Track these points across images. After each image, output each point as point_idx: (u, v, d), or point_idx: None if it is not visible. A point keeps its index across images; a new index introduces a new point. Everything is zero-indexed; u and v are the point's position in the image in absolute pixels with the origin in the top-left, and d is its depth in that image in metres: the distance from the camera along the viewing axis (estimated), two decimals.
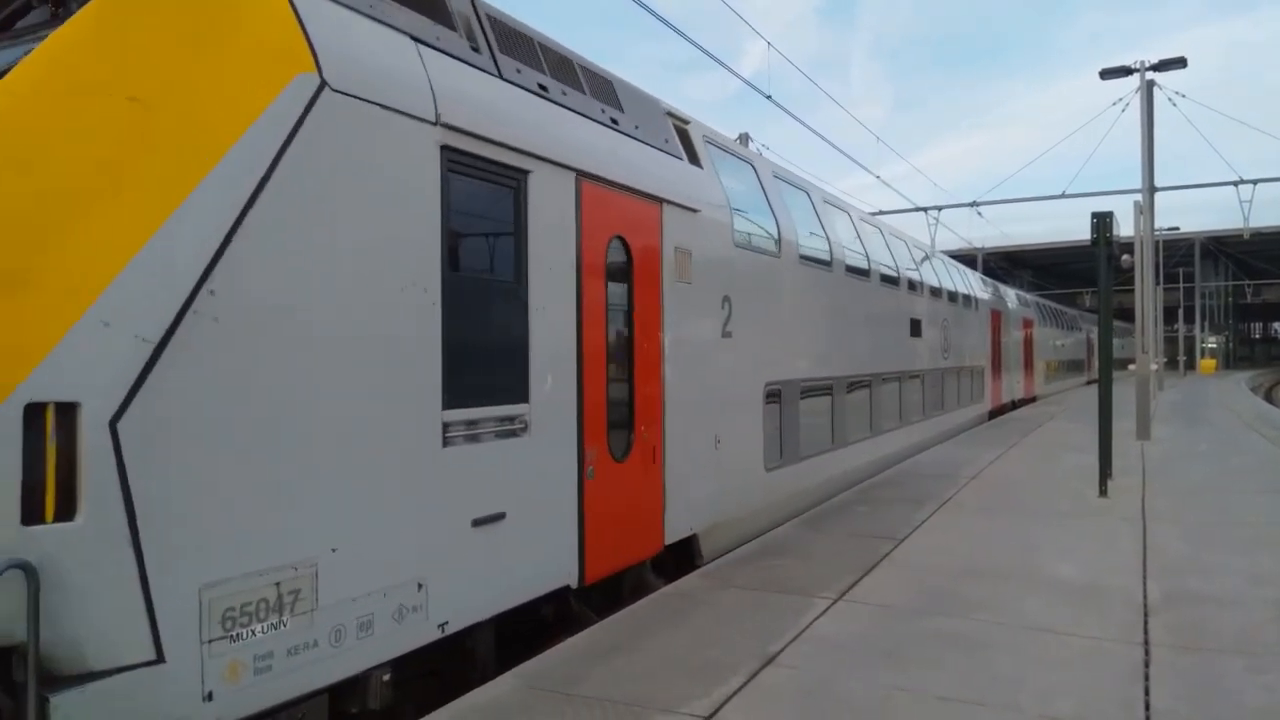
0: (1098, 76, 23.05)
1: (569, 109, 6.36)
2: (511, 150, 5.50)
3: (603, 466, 6.43)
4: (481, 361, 5.32)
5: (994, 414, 23.51)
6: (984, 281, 25.12)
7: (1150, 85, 22.23)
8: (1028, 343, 29.51)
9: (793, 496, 10.06)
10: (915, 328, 15.77)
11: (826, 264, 11.45)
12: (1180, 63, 22.44)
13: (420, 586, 4.75)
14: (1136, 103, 22.40)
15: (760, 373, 9.21)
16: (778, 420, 9.65)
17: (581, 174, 6.22)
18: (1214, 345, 73.15)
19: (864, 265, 13.06)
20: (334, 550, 4.25)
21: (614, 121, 6.98)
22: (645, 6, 10.79)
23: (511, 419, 5.50)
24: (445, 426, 4.95)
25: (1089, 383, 44.78)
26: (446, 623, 4.93)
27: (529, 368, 5.67)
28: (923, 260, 17.45)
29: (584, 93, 6.72)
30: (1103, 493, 10.80)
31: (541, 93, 6.07)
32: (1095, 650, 5.41)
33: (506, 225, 5.60)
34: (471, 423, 5.17)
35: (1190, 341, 66.83)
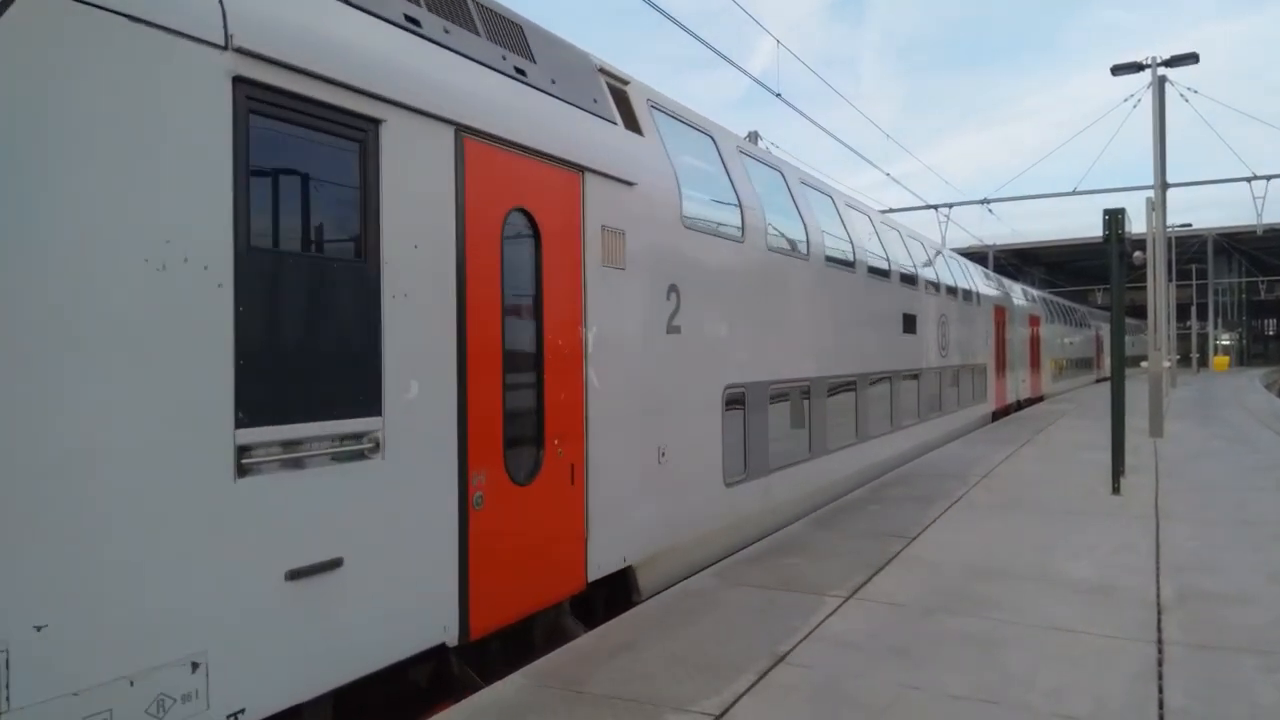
0: (1109, 72, 22.94)
1: (453, 50, 5.21)
2: (354, 92, 4.34)
3: (497, 492, 5.25)
4: (302, 364, 4.11)
5: (998, 415, 22.62)
6: (987, 276, 24.10)
7: (1162, 81, 22.10)
8: (1034, 340, 28.46)
9: (763, 513, 9.00)
10: (909, 324, 14.59)
11: (803, 253, 10.27)
12: (1192, 58, 22.32)
13: (196, 666, 3.60)
14: (1148, 99, 22.28)
15: (719, 374, 8.09)
16: (741, 428, 8.50)
17: (466, 130, 5.07)
18: (1227, 342, 72.68)
19: (849, 256, 11.86)
20: (40, 628, 3.10)
21: (520, 72, 5.82)
22: (654, 5, 10.79)
23: (356, 437, 4.32)
24: (241, 451, 3.77)
25: (1098, 381, 43.90)
26: (241, 711, 3.79)
27: (382, 371, 4.48)
28: (918, 252, 16.29)
29: (477, 34, 5.56)
30: (1116, 490, 10.74)
31: (410, 26, 4.92)
32: (1108, 649, 5.37)
33: (347, 189, 4.41)
34: (288, 444, 3.99)
35: (1203, 338, 66.41)
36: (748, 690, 4.80)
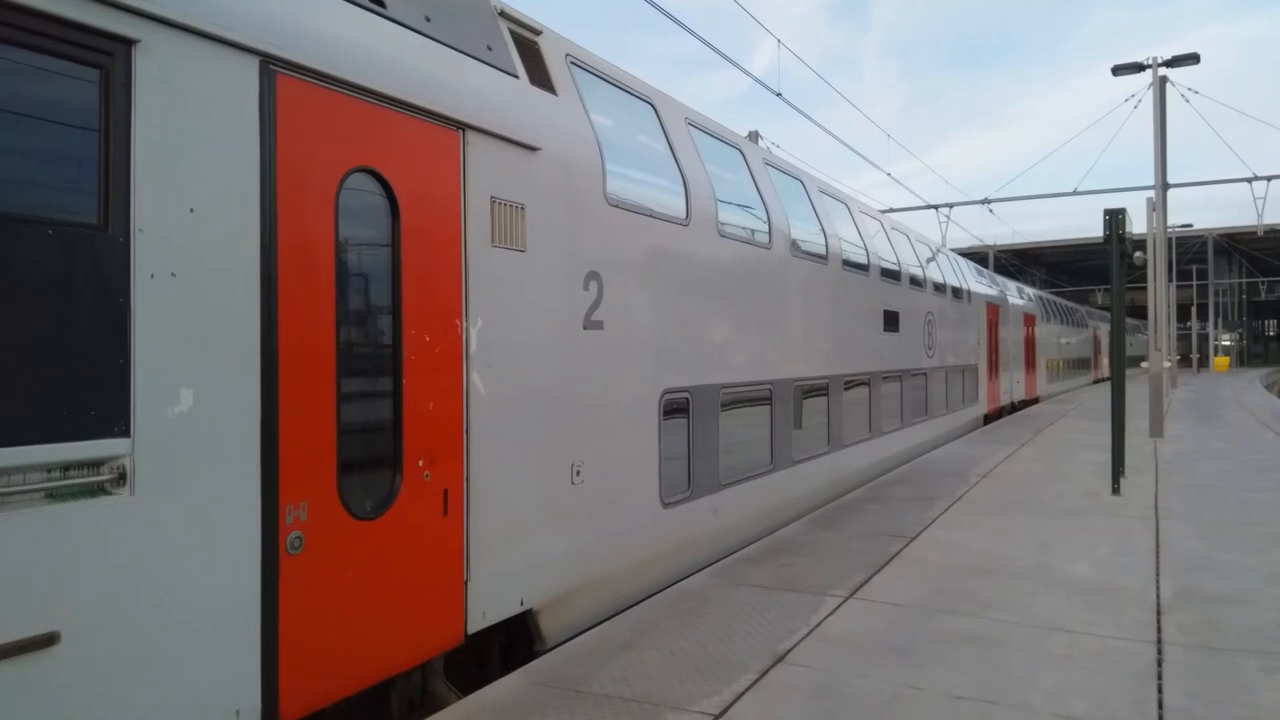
0: (1110, 73, 22.94)
1: None
2: (91, 1, 3.25)
3: (327, 530, 4.11)
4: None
5: (990, 418, 21.69)
6: (979, 272, 22.92)
7: (1163, 81, 22.10)
8: (1029, 340, 27.53)
9: (712, 535, 7.92)
10: (891, 322, 13.52)
11: (764, 241, 9.16)
12: (1193, 59, 22.32)
13: None
14: (1149, 99, 22.28)
15: (655, 377, 7.01)
16: (685, 439, 7.47)
17: (278, 63, 3.95)
18: (1227, 343, 72.67)
19: (821, 246, 10.79)
20: None
21: (378, 3, 4.72)
22: (655, 5, 10.79)
23: (87, 466, 3.24)
24: None
25: (1096, 382, 43.32)
26: None
27: (131, 375, 3.35)
28: (902, 245, 15.16)
29: None
30: (1116, 491, 10.75)
31: None
32: (1108, 649, 5.38)
33: (80, 132, 3.32)
34: None
35: (1203, 339, 66.42)
36: (748, 690, 4.80)
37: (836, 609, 6.24)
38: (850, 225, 12.40)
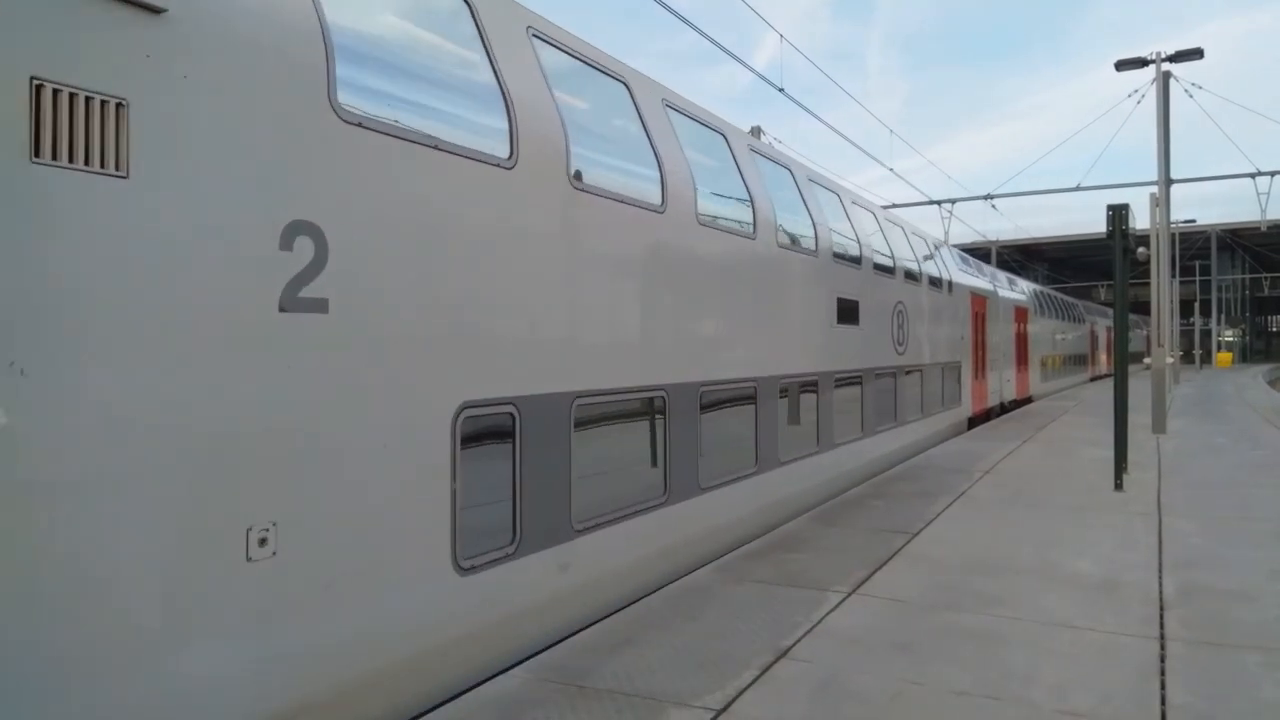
0: (1114, 68, 22.88)
1: None
2: None
3: None
4: None
5: (976, 420, 19.92)
6: (963, 260, 20.87)
7: (1166, 77, 22.04)
8: (1021, 335, 25.64)
9: (556, 600, 5.85)
10: (848, 313, 11.48)
11: (654, 203, 6.99)
12: (1197, 54, 22.25)
13: None
14: (1152, 94, 22.22)
15: (443, 383, 4.92)
16: (512, 470, 5.50)
17: None
18: (1230, 338, 72.58)
19: (745, 217, 8.72)
20: None
21: None
22: (661, 1, 10.76)
23: None
24: None
25: (1093, 379, 41.92)
26: None
27: None
28: (866, 224, 13.07)
29: None
30: (1118, 487, 10.74)
31: None
32: (1111, 645, 5.37)
33: None
34: None
35: (1206, 334, 66.33)
36: (750, 685, 4.80)
37: (839, 605, 6.23)
38: (796, 196, 10.38)
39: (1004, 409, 23.11)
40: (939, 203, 39.56)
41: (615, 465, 6.77)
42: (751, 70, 16.72)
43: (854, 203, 12.91)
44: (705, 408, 7.82)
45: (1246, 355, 77.59)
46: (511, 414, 5.42)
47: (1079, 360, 39.47)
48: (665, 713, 4.46)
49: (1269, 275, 70.36)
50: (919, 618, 5.93)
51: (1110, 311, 44.67)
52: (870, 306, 12.42)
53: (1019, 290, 26.85)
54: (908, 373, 14.37)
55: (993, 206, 39.04)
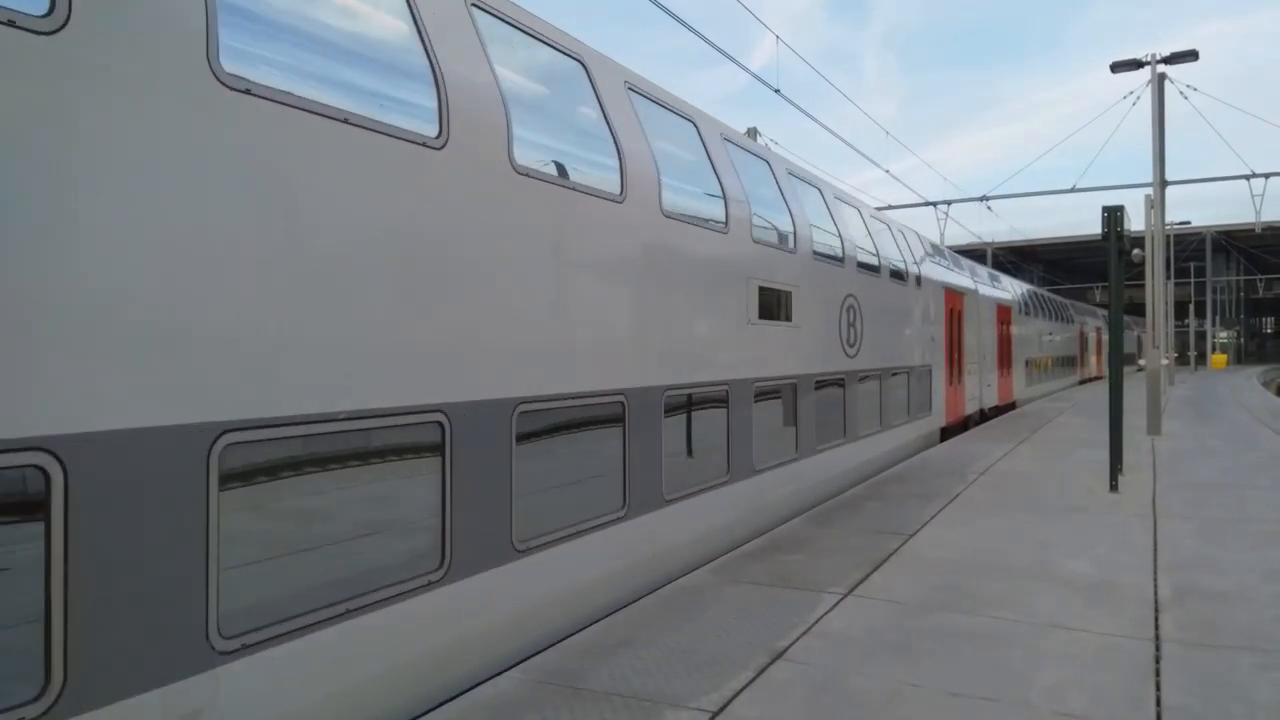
0: (1109, 69, 22.93)
1: None
2: None
3: None
4: None
5: (950, 431, 17.62)
6: (937, 251, 18.51)
7: (1161, 78, 22.09)
8: (1004, 336, 23.61)
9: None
10: (776, 308, 9.36)
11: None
12: (1191, 55, 22.30)
13: None
14: (1148, 96, 22.27)
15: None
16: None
17: None
18: (1225, 340, 72.77)
19: (612, 175, 6.65)
20: None
21: None
22: (657, 2, 10.77)
23: None
24: None
25: (1082, 382, 40.16)
26: None
27: None
28: (807, 202, 10.82)
29: None
30: (1114, 488, 10.76)
31: None
32: (1106, 646, 5.38)
33: None
34: None
35: (1201, 336, 66.52)
36: (746, 687, 4.80)
37: (835, 606, 6.23)
38: (691, 145, 8.31)
39: (984, 416, 21.05)
40: (935, 204, 39.64)
41: (403, 521, 4.87)
42: (748, 71, 16.74)
43: (791, 173, 10.53)
44: (531, 435, 5.60)
45: (1241, 357, 77.80)
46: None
47: (1067, 362, 37.64)
48: (661, 714, 4.46)
49: (1264, 277, 70.56)
50: (915, 619, 5.93)
51: (1100, 312, 44.61)
52: (809, 300, 10.23)
53: (1002, 288, 24.90)
54: (863, 379, 12.16)
55: (988, 208, 39.11)
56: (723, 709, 4.52)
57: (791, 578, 6.98)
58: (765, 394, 9.07)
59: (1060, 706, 4.50)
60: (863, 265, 12.40)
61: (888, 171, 30.58)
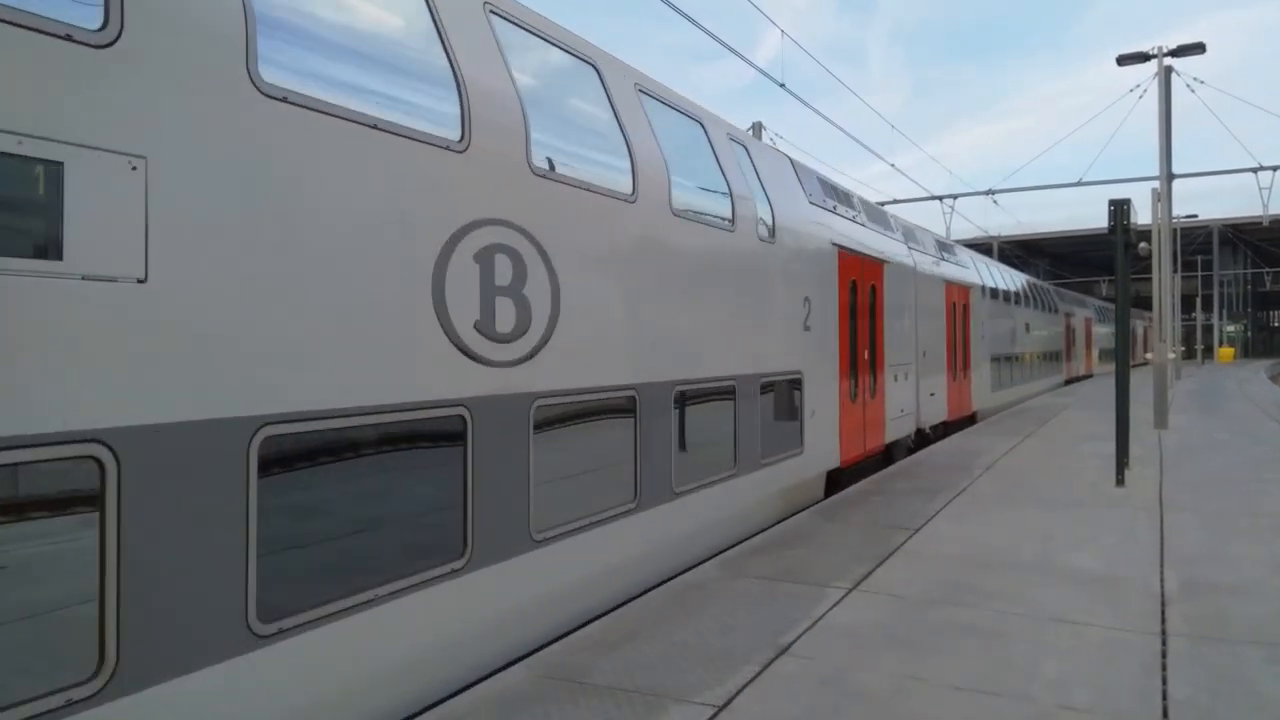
0: (1115, 62, 22.83)
1: None
2: None
3: None
4: None
5: (849, 474, 11.71)
6: (843, 197, 12.40)
7: (1168, 71, 21.98)
8: (959, 325, 18.18)
9: None
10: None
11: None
12: (1199, 48, 22.20)
13: None
14: (1154, 89, 22.16)
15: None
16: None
17: None
18: (1232, 333, 72.54)
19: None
20: None
21: None
22: None
23: None
24: None
25: (1068, 382, 34.55)
26: None
27: None
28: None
29: None
30: (1120, 482, 10.73)
31: None
32: (1112, 640, 5.37)
33: None
34: None
35: (1208, 329, 66.30)
36: (750, 681, 4.79)
37: (839, 601, 6.23)
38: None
39: (920, 440, 15.45)
40: (941, 198, 39.53)
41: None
42: (753, 66, 16.70)
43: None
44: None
45: (1248, 350, 77.55)
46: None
47: (1051, 359, 31.20)
48: (665, 709, 4.46)
49: (1271, 270, 70.30)
50: (920, 613, 5.92)
51: (1091, 301, 43.82)
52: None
53: (958, 262, 19.12)
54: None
55: (994, 202, 38.98)
56: (727, 704, 4.52)
57: (796, 572, 6.97)
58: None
59: (1066, 701, 4.48)
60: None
61: (893, 165, 30.54)
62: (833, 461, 11.11)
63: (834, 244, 11.24)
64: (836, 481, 11.32)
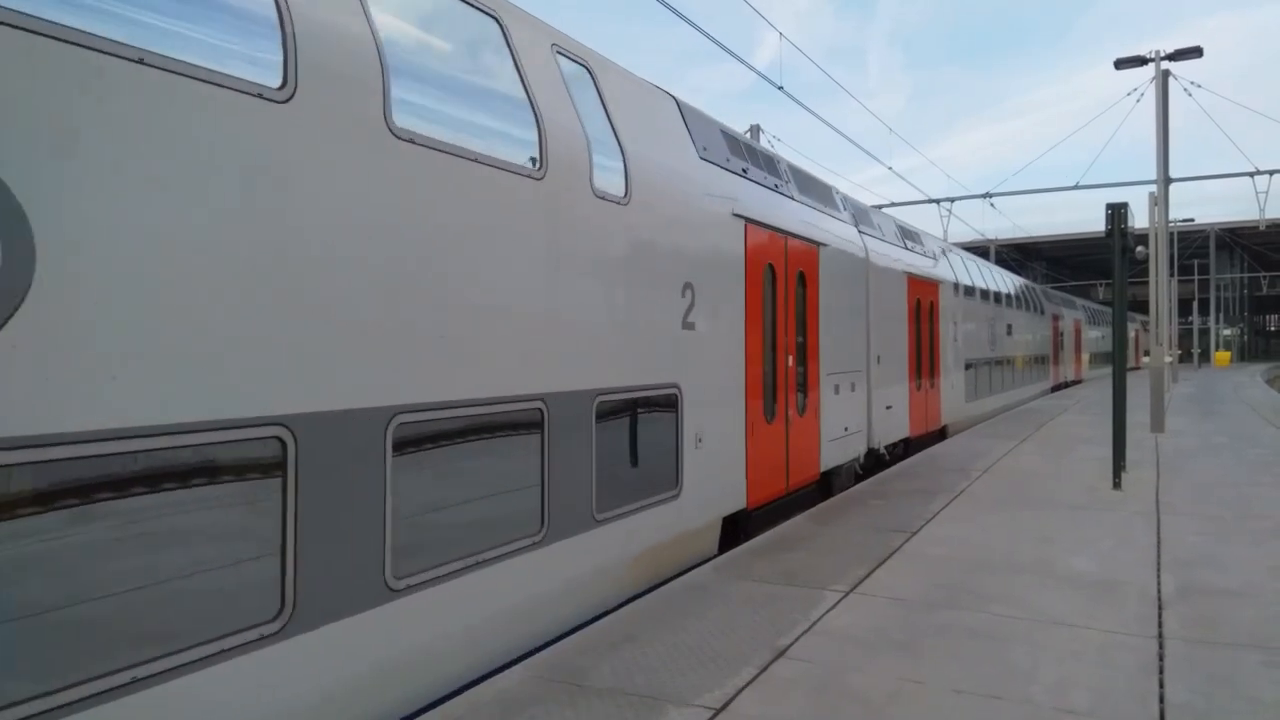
0: (1113, 66, 22.87)
1: None
2: None
3: None
4: None
5: (756, 520, 9.05)
6: (751, 153, 9.62)
7: (1165, 75, 22.03)
8: (926, 327, 15.85)
9: None
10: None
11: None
12: (1196, 52, 22.24)
13: None
14: (1151, 93, 22.20)
15: None
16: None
17: None
18: (1228, 337, 72.68)
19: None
20: None
21: None
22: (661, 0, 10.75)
23: None
24: None
25: (1055, 389, 32.23)
26: None
27: None
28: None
29: None
30: (1117, 485, 10.74)
31: None
32: (1110, 643, 5.37)
33: None
34: None
35: (1204, 333, 66.43)
36: (749, 684, 4.80)
37: (838, 603, 6.23)
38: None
39: (879, 460, 13.41)
40: (938, 201, 39.58)
41: None
42: (752, 69, 16.72)
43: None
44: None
45: (1245, 354, 77.70)
46: None
47: (1037, 363, 28.53)
48: (664, 711, 4.46)
49: (1267, 274, 70.46)
50: (918, 616, 5.93)
51: (1079, 302, 43.66)
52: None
53: (924, 252, 16.47)
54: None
55: (992, 205, 39.07)
56: (725, 706, 4.52)
57: (794, 575, 6.97)
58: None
59: (1063, 703, 4.49)
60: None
61: (891, 168, 30.52)
62: (734, 503, 8.47)
63: (738, 215, 8.60)
64: (744, 528, 8.77)
